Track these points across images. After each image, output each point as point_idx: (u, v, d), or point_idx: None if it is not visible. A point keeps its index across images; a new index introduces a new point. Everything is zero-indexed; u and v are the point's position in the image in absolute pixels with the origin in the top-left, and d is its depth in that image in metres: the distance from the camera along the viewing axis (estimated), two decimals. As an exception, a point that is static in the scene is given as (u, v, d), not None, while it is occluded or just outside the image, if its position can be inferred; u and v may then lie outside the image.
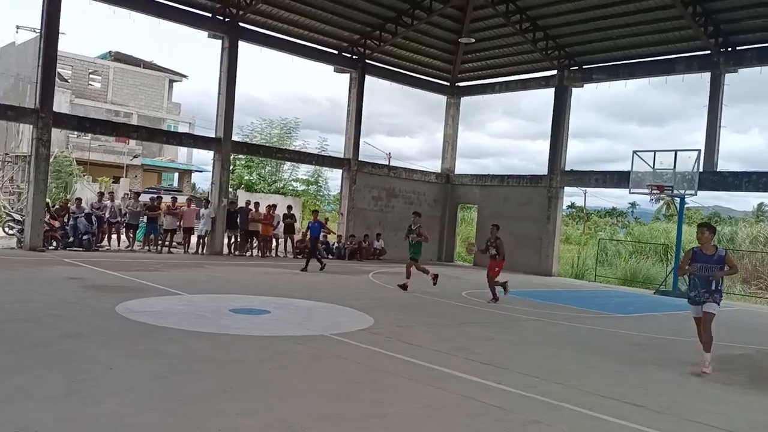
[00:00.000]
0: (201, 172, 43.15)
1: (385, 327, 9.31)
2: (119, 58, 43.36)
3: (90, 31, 76.56)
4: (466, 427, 5.09)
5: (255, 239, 21.55)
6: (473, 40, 23.70)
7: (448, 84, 27.65)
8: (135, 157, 40.24)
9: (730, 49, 19.92)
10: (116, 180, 37.09)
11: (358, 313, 10.42)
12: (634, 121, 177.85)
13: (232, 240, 21.04)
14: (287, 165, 37.26)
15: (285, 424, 4.76)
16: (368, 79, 24.73)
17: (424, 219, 26.63)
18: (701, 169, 19.57)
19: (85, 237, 18.25)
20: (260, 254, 21.35)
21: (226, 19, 20.56)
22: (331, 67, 24.34)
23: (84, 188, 31.70)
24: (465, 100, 28.45)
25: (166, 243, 20.03)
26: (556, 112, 24.09)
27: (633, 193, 21.71)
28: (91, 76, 42.34)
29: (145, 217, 19.73)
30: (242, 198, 25.50)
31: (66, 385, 5.26)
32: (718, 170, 20.03)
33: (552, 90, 24.31)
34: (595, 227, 57.23)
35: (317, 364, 6.77)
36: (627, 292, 20.65)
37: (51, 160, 22.19)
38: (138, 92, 42.69)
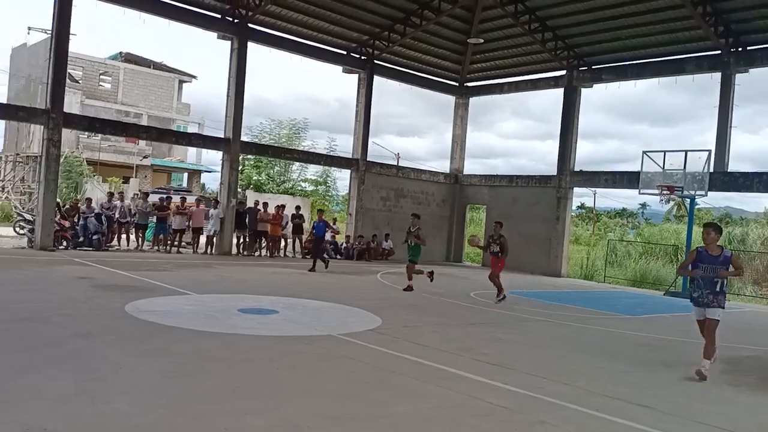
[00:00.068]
0: (210, 172, 43.34)
1: (393, 327, 9.32)
2: (129, 59, 43.63)
3: (100, 32, 77.05)
4: (473, 427, 5.09)
5: (264, 239, 21.62)
6: (482, 41, 23.67)
7: (457, 84, 27.62)
8: (145, 157, 40.48)
9: (740, 49, 19.78)
10: (126, 180, 37.32)
11: (365, 313, 10.43)
12: (645, 122, 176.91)
13: (241, 240, 21.11)
14: (296, 165, 37.39)
15: (292, 423, 4.78)
16: (377, 79, 24.75)
17: (432, 219, 26.96)
18: (711, 170, 19.43)
19: (95, 237, 18.36)
20: (269, 254, 21.41)
21: (236, 21, 20.64)
22: (339, 68, 24.38)
23: (94, 188, 31.92)
24: (474, 101, 28.42)
25: (176, 243, 20.13)
26: (565, 112, 24.03)
27: (643, 193, 21.61)
28: (101, 76, 42.61)
29: (155, 217, 19.83)
30: (251, 198, 25.59)
31: (75, 385, 5.30)
32: (728, 171, 19.90)
33: (561, 90, 24.24)
34: (605, 228, 57.01)
35: (325, 364, 6.79)
36: (636, 293, 20.55)
37: (61, 160, 22.37)
38: (148, 93, 42.93)
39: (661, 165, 20.12)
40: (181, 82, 45.57)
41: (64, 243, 18.06)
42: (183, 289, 11.50)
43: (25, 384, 5.19)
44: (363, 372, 6.59)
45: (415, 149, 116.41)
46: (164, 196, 21.60)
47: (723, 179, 19.80)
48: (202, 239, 20.74)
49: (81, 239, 18.35)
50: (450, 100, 28.39)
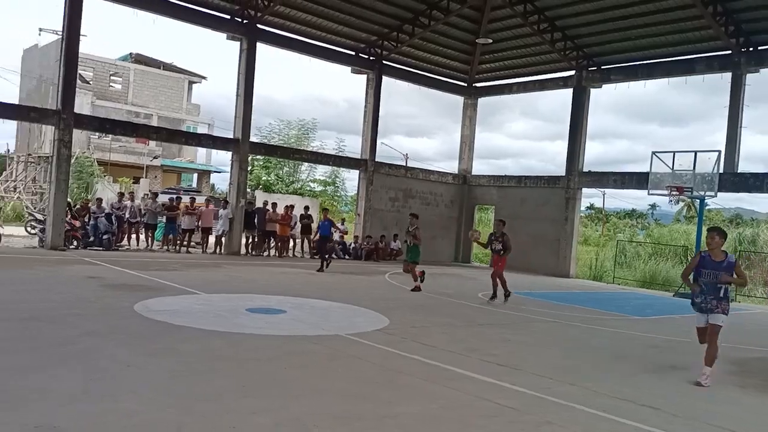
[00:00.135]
0: (219, 172, 43.54)
1: (401, 327, 9.32)
2: (139, 60, 43.88)
3: (111, 33, 77.56)
4: (481, 428, 5.09)
5: (272, 239, 21.68)
6: (491, 41, 23.61)
7: (466, 85, 27.59)
8: (155, 157, 40.71)
9: (751, 49, 19.66)
10: (136, 180, 37.55)
11: (373, 313, 10.44)
12: (655, 122, 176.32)
13: (250, 240, 21.19)
14: (305, 166, 37.48)
15: (299, 422, 4.80)
16: (385, 79, 24.76)
17: (441, 220, 26.97)
18: (721, 170, 19.31)
19: (105, 236, 18.48)
20: (277, 254, 21.47)
21: (245, 21, 20.71)
22: (348, 68, 24.41)
23: (104, 188, 32.15)
24: (483, 101, 28.37)
25: (185, 243, 20.23)
26: (574, 112, 23.96)
27: (652, 194, 21.48)
28: (111, 77, 42.89)
29: (164, 217, 19.94)
30: (260, 198, 25.67)
31: (84, 383, 5.34)
32: (739, 171, 19.78)
33: (570, 90, 24.17)
34: (614, 229, 56.75)
35: (333, 364, 6.81)
36: (646, 294, 20.46)
37: (72, 160, 22.54)
38: (158, 94, 43.16)
39: (671, 165, 20.00)
40: (190, 82, 45.81)
41: (75, 243, 18.18)
42: (192, 289, 11.55)
43: (35, 382, 5.24)
44: (370, 372, 6.60)
45: (424, 150, 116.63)
46: (174, 196, 21.72)
47: (733, 180, 19.68)
48: (211, 239, 20.83)
49: (91, 239, 18.47)
50: (459, 100, 28.36)
